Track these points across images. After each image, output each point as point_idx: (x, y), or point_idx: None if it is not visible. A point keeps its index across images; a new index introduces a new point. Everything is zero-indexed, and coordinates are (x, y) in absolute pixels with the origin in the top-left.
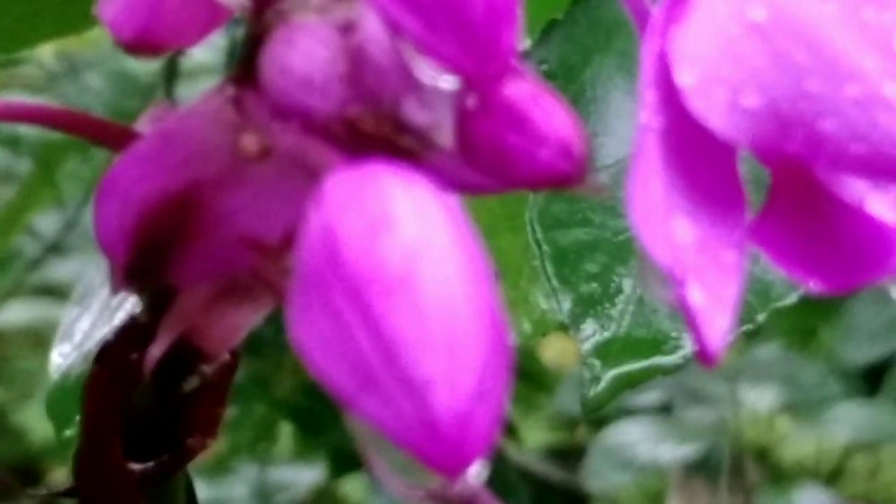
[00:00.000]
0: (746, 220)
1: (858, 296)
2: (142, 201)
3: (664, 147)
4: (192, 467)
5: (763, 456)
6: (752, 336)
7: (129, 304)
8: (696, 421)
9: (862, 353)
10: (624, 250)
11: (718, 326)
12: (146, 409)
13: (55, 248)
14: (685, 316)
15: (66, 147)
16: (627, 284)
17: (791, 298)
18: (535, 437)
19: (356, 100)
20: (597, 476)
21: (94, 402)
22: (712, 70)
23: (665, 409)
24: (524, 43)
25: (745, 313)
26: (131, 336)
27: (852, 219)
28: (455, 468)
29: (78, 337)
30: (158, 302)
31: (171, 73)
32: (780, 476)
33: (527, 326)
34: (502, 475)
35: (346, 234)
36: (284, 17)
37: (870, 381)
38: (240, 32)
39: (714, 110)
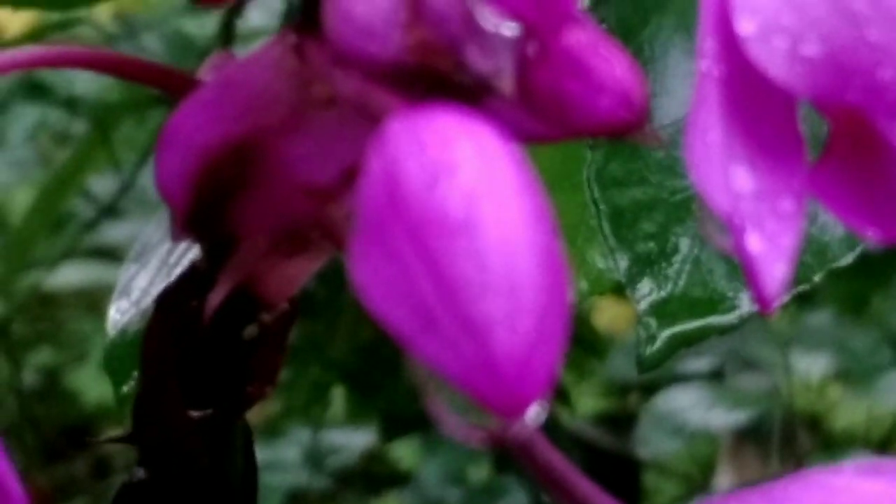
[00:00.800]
0: (805, 168)
1: None
2: (203, 149)
3: (723, 96)
4: None
5: (814, 423)
6: (804, 302)
7: (187, 261)
8: (747, 388)
9: None
10: (681, 210)
11: (776, 274)
12: (205, 356)
13: (110, 211)
14: (743, 263)
15: (123, 109)
16: (684, 244)
17: (847, 259)
18: (587, 403)
19: (418, 46)
20: (648, 443)
21: (153, 348)
22: (772, 18)
23: (716, 376)
24: (583, 3)
25: (802, 273)
26: (191, 283)
27: None
28: (513, 410)
29: (136, 293)
30: (218, 250)
31: (228, 35)
32: (831, 444)
33: (583, 285)
34: (554, 441)
35: (407, 176)
36: None
37: None
38: None
39: (774, 59)
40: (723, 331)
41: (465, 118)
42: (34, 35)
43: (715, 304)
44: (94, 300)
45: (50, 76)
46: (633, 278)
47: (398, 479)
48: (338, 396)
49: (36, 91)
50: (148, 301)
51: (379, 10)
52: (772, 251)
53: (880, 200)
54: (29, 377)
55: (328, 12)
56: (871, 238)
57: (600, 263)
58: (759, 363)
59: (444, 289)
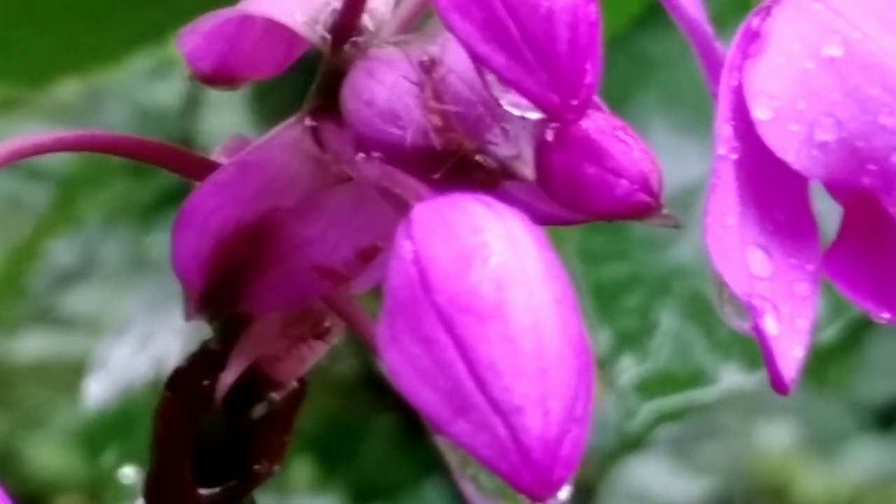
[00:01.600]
0: (819, 252)
1: (874, 331)
2: (219, 230)
3: (739, 180)
4: None
5: (777, 493)
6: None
7: (162, 334)
8: (709, 457)
9: (877, 389)
10: (662, 285)
11: (793, 356)
12: (216, 435)
13: (70, 279)
14: (761, 345)
15: (86, 177)
16: (665, 319)
17: (828, 333)
18: None
19: (440, 130)
20: None
21: (166, 427)
22: (788, 105)
23: (678, 444)
24: None
25: None
26: (203, 363)
27: None
28: (545, 492)
29: (113, 365)
30: (230, 329)
31: (194, 104)
32: None
33: None
34: None
35: (437, 261)
36: (364, 50)
37: (885, 417)
38: None
39: (789, 144)
40: (702, 406)
41: (492, 203)
42: None
43: (696, 378)
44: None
45: None
46: (614, 353)
47: None
48: (304, 463)
49: None
50: (129, 374)
51: (400, 93)
52: (789, 333)
53: (892, 283)
54: None
55: (347, 96)
56: (885, 319)
57: None
58: (721, 431)
59: (476, 374)
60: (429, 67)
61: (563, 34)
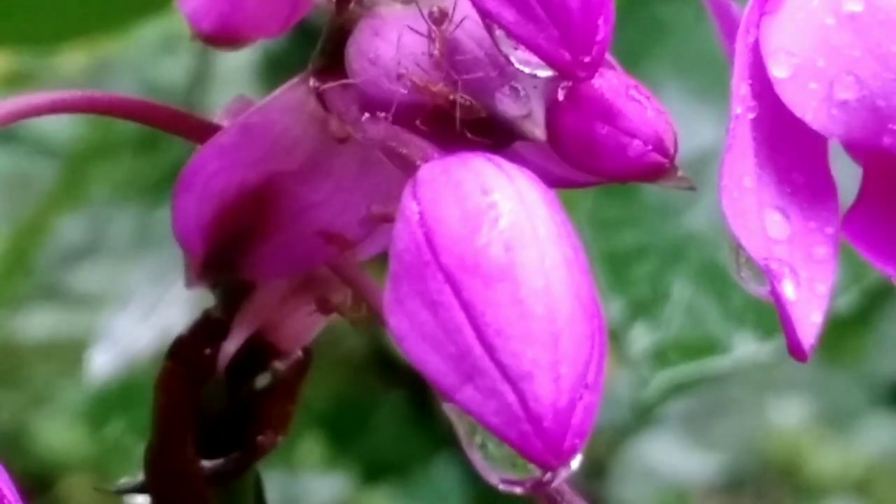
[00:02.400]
0: (838, 214)
1: (888, 307)
2: (221, 195)
3: (756, 140)
4: None
5: (789, 468)
6: (780, 347)
7: (167, 305)
8: (721, 433)
9: (891, 364)
10: (674, 253)
11: (812, 321)
12: (218, 405)
13: (79, 255)
14: (779, 310)
15: (93, 152)
16: (678, 288)
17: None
18: None
19: (448, 89)
20: (619, 488)
21: (166, 397)
22: (807, 62)
23: (690, 421)
24: None
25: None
26: (205, 331)
27: None
28: (557, 461)
29: (118, 336)
30: (233, 297)
31: (201, 78)
32: (807, 488)
33: None
34: None
35: (444, 222)
36: (369, 8)
37: None
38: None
39: (808, 103)
40: (716, 375)
41: (501, 163)
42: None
43: (709, 347)
44: (59, 347)
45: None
46: (627, 322)
47: None
48: (314, 441)
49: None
50: (133, 345)
51: (407, 51)
52: (807, 298)
53: None
54: None
55: (352, 55)
56: None
57: None
58: (734, 407)
59: (486, 338)
60: (438, 20)
61: None
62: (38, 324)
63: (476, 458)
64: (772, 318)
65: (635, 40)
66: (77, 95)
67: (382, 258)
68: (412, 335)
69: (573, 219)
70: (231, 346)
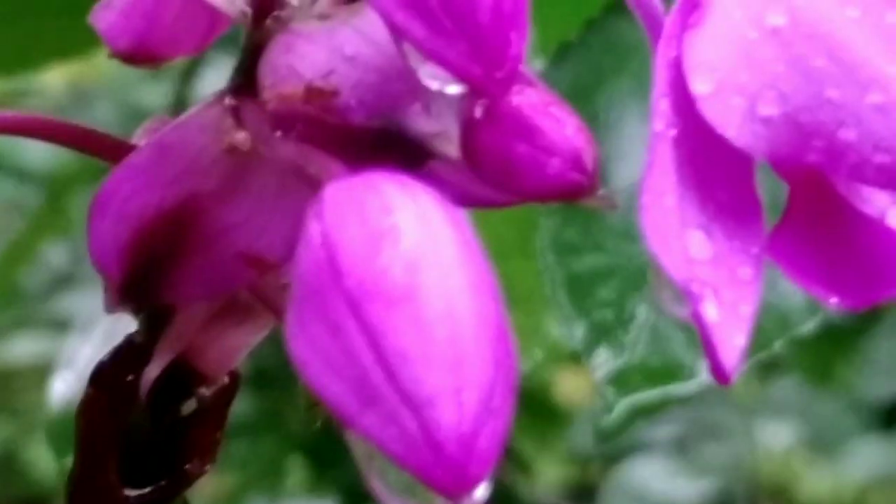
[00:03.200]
0: (763, 234)
1: (876, 329)
2: (137, 216)
3: (678, 158)
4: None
5: (779, 492)
6: (769, 370)
7: (127, 329)
8: (711, 457)
9: (880, 387)
10: (638, 277)
11: (734, 344)
12: (142, 432)
13: (64, 281)
14: (700, 333)
15: (75, 178)
16: (641, 311)
17: (809, 326)
18: (549, 473)
19: (359, 107)
20: None
21: (88, 425)
22: (729, 78)
23: (680, 444)
24: (537, 65)
25: (763, 340)
26: (127, 357)
27: (872, 233)
28: (460, 490)
29: (81, 364)
30: (155, 322)
31: (182, 102)
32: None
33: (539, 354)
34: None
35: (346, 243)
36: (285, 24)
37: (888, 416)
38: None
39: (731, 120)
40: (681, 400)
41: (406, 183)
42: None
43: (673, 372)
44: (46, 372)
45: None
46: (590, 346)
47: None
48: (297, 467)
49: None
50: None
51: (318, 68)
52: (730, 320)
53: (841, 266)
54: None
55: (265, 71)
56: (832, 305)
57: (556, 332)
58: (723, 431)
59: (385, 362)
60: (347, 40)
61: (486, 1)
62: (27, 348)
63: (376, 485)
64: None
65: (598, 60)
66: None
67: None
68: (314, 361)
69: (536, 241)
70: (152, 371)
